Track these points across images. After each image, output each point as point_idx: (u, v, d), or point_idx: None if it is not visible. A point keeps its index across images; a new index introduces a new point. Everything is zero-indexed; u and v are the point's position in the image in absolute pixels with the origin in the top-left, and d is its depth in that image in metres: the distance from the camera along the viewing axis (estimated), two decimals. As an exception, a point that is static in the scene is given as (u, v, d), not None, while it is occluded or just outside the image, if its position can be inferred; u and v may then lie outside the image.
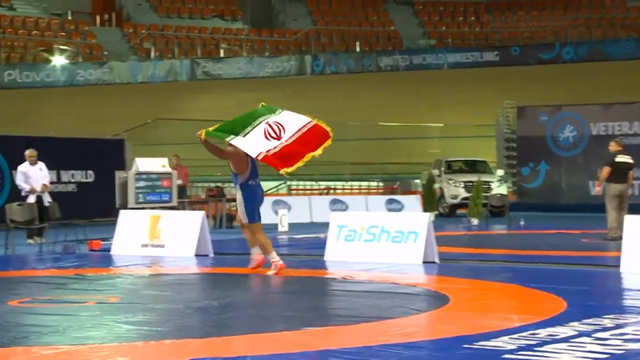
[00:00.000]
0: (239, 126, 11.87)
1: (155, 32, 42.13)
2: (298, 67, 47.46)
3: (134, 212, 16.88)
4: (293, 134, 11.82)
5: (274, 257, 12.20)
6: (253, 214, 12.29)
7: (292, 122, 11.96)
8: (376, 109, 40.16)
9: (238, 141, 11.72)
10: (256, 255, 12.58)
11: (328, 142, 12.01)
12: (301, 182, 33.24)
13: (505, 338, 7.22)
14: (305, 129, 11.93)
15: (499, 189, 27.77)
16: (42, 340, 7.56)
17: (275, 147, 11.68)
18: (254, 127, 11.83)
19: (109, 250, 15.74)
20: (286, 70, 47.12)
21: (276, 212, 23.00)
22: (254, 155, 11.78)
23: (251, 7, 52.07)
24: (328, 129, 12.01)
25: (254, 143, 11.69)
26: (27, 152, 17.88)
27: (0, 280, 12.34)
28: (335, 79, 46.72)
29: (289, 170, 11.79)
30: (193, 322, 8.65)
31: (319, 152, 11.95)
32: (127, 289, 11.50)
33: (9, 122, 25.91)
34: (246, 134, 11.75)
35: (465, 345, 6.98)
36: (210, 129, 11.85)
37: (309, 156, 11.85)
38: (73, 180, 25.45)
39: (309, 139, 11.88)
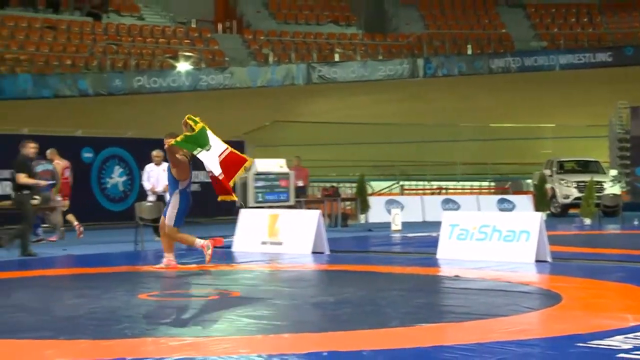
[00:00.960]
0: (203, 141, 12.03)
1: (273, 38, 42.56)
2: (410, 70, 47.29)
3: (254, 211, 17.07)
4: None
5: (200, 242, 12.82)
6: (181, 219, 12.80)
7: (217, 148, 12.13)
8: (488, 110, 39.73)
9: (203, 155, 11.99)
10: (169, 260, 12.83)
11: (242, 171, 12.41)
12: (414, 182, 33.10)
13: (620, 337, 7.03)
14: (223, 156, 12.06)
15: (612, 189, 27.12)
16: (168, 331, 7.73)
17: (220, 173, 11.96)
18: (212, 146, 12.05)
19: (230, 247, 15.94)
20: (399, 74, 46.97)
21: (389, 212, 22.94)
22: (216, 174, 11.98)
23: (365, 13, 52.10)
24: (243, 155, 12.50)
25: (213, 161, 11.95)
26: (154, 153, 18.16)
27: (131, 274, 12.64)
28: (447, 82, 46.40)
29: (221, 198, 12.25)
30: (310, 317, 8.71)
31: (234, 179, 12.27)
32: (247, 284, 11.63)
33: (138, 125, 26.52)
34: (208, 150, 11.97)
35: (578, 344, 6.83)
36: (178, 138, 12.04)
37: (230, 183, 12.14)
38: (197, 181, 25.90)
39: (227, 167, 12.06)
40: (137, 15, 37.97)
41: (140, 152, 21.68)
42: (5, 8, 33.94)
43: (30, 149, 15.29)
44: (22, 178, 14.79)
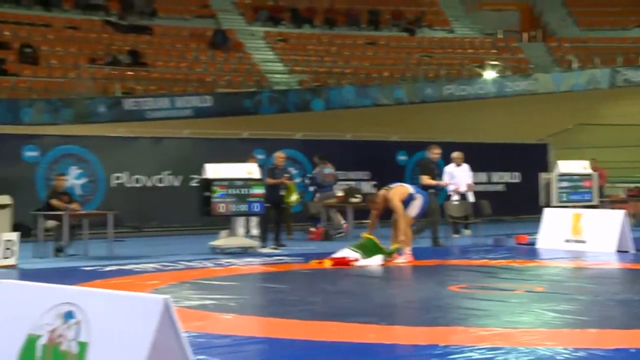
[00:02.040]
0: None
1: (577, 44, 41.28)
2: None
3: (558, 210, 16.68)
4: None
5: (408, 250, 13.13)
6: (418, 216, 13.83)
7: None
8: None
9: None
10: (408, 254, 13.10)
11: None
12: None
13: None
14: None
15: None
16: (478, 322, 7.76)
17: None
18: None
19: (534, 244, 15.70)
20: None
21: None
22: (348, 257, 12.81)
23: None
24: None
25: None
26: (455, 154, 18.19)
27: (442, 267, 12.81)
28: None
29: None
30: (614, 313, 8.39)
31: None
32: (551, 279, 11.41)
33: (447, 130, 26.78)
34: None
35: None
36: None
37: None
38: (502, 181, 25.72)
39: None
40: (447, 29, 38.31)
41: (447, 154, 21.85)
42: (333, 28, 35.52)
43: (435, 154, 16.22)
44: (425, 179, 15.75)
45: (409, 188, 13.72)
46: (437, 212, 16.01)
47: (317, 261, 12.95)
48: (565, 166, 18.76)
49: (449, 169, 18.03)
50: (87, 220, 15.52)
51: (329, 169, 19.62)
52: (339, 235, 18.51)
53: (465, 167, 18.10)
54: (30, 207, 16.30)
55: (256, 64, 32.10)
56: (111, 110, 25.34)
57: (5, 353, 4.71)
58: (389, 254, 12.91)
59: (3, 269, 12.51)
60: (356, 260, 12.65)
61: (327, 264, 12.61)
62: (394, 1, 38.08)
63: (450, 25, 38.91)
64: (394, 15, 37.53)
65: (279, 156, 17.03)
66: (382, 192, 13.61)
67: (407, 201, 13.28)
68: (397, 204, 13.16)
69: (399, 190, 13.43)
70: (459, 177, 17.82)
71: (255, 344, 7.03)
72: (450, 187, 17.72)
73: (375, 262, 12.67)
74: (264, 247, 15.69)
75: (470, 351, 6.29)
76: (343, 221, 18.98)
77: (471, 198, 17.93)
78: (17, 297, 4.98)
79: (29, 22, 29.39)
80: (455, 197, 17.73)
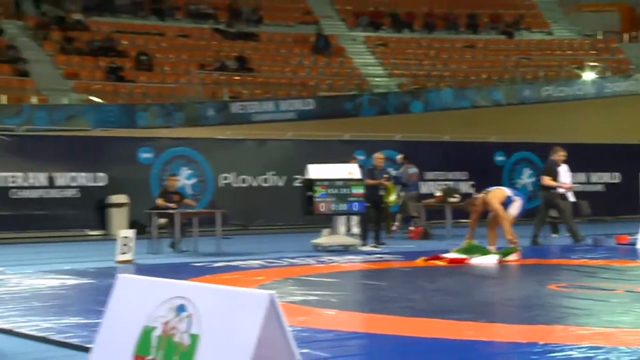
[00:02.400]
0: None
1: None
2: None
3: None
4: None
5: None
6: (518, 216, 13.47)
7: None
8: None
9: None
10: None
11: None
12: None
13: None
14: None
15: None
16: (577, 321, 7.58)
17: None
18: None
19: (634, 244, 15.25)
20: None
21: None
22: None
23: None
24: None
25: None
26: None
27: (541, 266, 12.57)
28: None
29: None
30: None
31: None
32: (652, 280, 11.06)
33: (545, 131, 26.27)
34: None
35: None
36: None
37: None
38: (601, 181, 25.10)
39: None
40: (546, 30, 37.60)
41: (545, 155, 21.45)
42: (432, 32, 35.30)
43: (560, 156, 16.14)
44: (547, 180, 15.81)
45: (506, 191, 13.55)
46: (563, 210, 15.98)
47: (425, 259, 12.90)
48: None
49: None
50: (196, 219, 15.81)
51: (413, 169, 19.54)
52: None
53: (564, 167, 17.72)
54: (144, 206, 16.74)
55: (357, 68, 32.15)
56: (219, 114, 25.78)
57: (124, 342, 4.84)
58: (504, 254, 12.76)
59: (121, 264, 12.85)
60: (467, 259, 12.61)
61: (442, 262, 12.54)
62: (493, 4, 37.58)
63: (548, 27, 38.18)
64: (493, 19, 37.04)
65: (378, 157, 17.00)
66: (481, 195, 13.47)
67: (506, 204, 13.11)
68: (497, 206, 13.03)
69: (497, 194, 13.28)
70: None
71: (357, 339, 7.04)
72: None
73: (489, 260, 12.58)
74: (364, 245, 15.70)
75: (570, 350, 6.15)
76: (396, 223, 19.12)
77: (571, 198, 17.53)
78: (134, 290, 5.11)
79: (144, 32, 30.20)
80: None
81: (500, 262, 12.60)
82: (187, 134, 22.61)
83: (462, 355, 6.22)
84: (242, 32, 31.89)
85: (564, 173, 17.78)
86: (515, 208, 13.20)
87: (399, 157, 17.00)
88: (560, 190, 17.39)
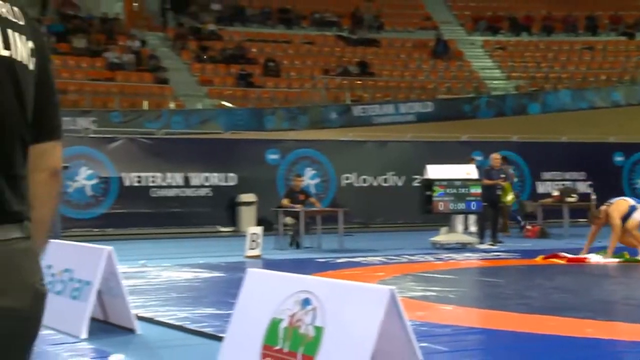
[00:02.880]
0: None
1: None
2: None
3: None
4: None
5: None
6: None
7: None
8: None
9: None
10: None
11: None
12: None
13: None
14: None
15: None
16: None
17: None
18: None
19: None
20: None
21: None
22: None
23: None
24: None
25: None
26: None
27: None
28: None
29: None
30: None
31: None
32: None
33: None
34: None
35: None
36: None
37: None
38: None
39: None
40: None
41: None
42: (551, 35, 34.49)
43: None
44: None
45: (629, 201, 12.95)
46: None
47: (544, 257, 12.66)
48: None
49: None
50: (320, 217, 15.98)
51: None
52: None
53: None
54: (271, 205, 17.01)
55: (475, 71, 31.75)
56: (341, 117, 25.92)
57: (253, 333, 4.97)
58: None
59: (249, 259, 13.11)
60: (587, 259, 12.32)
61: (561, 260, 12.27)
62: (613, 6, 36.34)
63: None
64: (613, 20, 35.84)
65: (495, 157, 16.78)
66: (604, 207, 12.93)
67: (628, 214, 12.57)
68: (616, 222, 12.44)
69: (619, 207, 12.69)
70: None
71: (474, 334, 6.99)
72: None
73: (610, 260, 12.26)
74: (481, 243, 15.52)
75: (689, 349, 5.95)
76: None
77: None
78: (263, 284, 5.24)
79: (272, 40, 30.70)
80: None
81: (620, 262, 12.21)
82: (311, 136, 22.83)
83: (581, 353, 6.10)
84: (364, 38, 31.99)
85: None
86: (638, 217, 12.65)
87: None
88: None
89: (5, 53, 2.05)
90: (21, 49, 2.09)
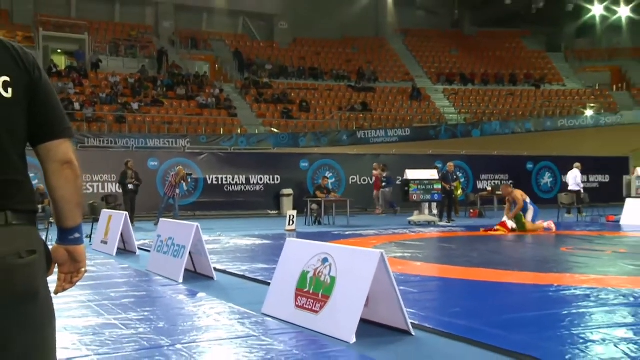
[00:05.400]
0: None
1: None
2: None
3: (635, 199, 15.03)
4: None
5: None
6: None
7: None
8: None
9: None
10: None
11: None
12: None
13: None
14: None
15: None
16: (579, 270, 7.23)
17: None
18: None
19: (618, 222, 14.32)
20: None
21: None
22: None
23: None
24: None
25: None
26: None
27: (558, 236, 12.01)
28: None
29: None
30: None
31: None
32: (631, 244, 10.37)
33: (561, 148, 24.98)
34: None
35: None
36: None
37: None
38: (596, 180, 23.60)
39: None
40: (561, 83, 35.56)
41: (561, 164, 20.35)
42: (487, 85, 34.20)
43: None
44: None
45: (526, 198, 12.63)
46: None
47: (483, 230, 12.56)
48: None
49: None
50: (334, 204, 15.93)
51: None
52: None
53: (576, 171, 16.75)
54: (302, 196, 16.98)
55: (438, 109, 31.40)
56: (349, 138, 25.85)
57: (290, 280, 5.00)
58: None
59: (288, 232, 13.10)
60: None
61: (502, 231, 12.16)
62: (527, 67, 35.95)
63: (563, 81, 36.16)
64: (526, 76, 35.44)
65: (450, 165, 16.63)
66: (510, 187, 12.73)
67: (525, 205, 12.35)
68: (520, 201, 12.22)
69: (523, 194, 12.40)
70: None
71: (435, 281, 6.98)
72: None
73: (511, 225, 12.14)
74: (441, 221, 15.42)
75: (575, 289, 5.92)
76: None
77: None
78: (297, 248, 5.26)
79: (305, 87, 30.66)
80: None
81: (531, 232, 12.11)
82: (329, 151, 22.78)
83: (504, 292, 6.08)
84: (365, 86, 31.90)
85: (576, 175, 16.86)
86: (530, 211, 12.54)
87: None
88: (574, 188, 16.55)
89: None
90: None
